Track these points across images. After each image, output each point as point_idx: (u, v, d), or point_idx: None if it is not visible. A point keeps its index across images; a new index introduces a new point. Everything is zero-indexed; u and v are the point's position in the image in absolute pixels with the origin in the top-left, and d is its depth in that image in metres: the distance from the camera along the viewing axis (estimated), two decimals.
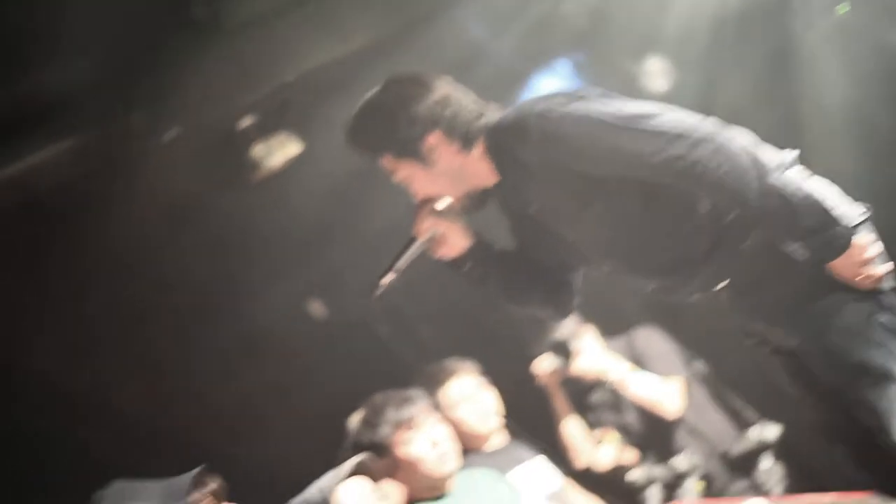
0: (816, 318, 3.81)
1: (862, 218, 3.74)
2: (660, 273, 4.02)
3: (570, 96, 3.86)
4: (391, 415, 5.19)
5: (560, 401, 6.53)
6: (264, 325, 6.96)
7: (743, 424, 6.60)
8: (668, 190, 3.86)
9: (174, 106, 6.09)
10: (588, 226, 3.98)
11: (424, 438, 5.19)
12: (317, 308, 7.73)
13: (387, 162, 4.06)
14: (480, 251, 4.20)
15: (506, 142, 3.93)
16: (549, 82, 7.38)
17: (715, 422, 6.57)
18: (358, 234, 7.11)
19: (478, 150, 4.02)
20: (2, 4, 5.27)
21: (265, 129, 6.62)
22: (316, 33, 6.37)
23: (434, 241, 4.14)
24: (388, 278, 4.12)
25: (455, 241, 4.15)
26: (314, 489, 4.38)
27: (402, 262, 4.13)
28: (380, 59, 6.69)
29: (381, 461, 5.15)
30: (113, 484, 3.58)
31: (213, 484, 3.61)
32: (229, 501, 3.68)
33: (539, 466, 5.91)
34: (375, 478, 4.58)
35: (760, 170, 3.67)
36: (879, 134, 6.55)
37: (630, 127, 3.75)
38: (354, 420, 5.34)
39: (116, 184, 6.06)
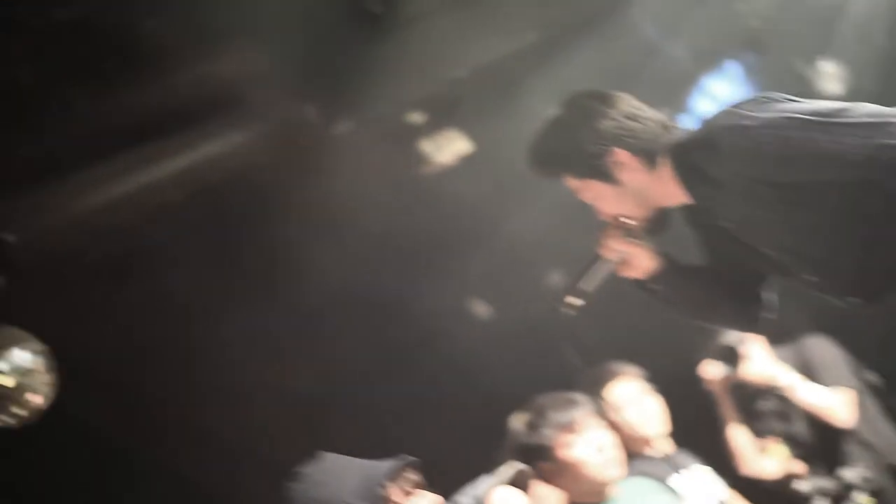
0: None
1: None
2: (861, 284, 3.89)
3: (756, 102, 3.70)
4: (554, 417, 5.16)
5: (727, 407, 6.44)
6: (427, 324, 6.97)
7: None
8: (871, 192, 3.72)
9: (347, 99, 6.13)
10: (787, 236, 3.83)
11: (587, 442, 5.15)
12: (480, 308, 7.73)
13: (571, 181, 3.98)
14: (668, 271, 4.10)
15: (695, 160, 3.80)
16: (720, 84, 7.31)
17: (887, 435, 6.42)
18: (523, 235, 7.10)
19: (664, 169, 3.90)
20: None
21: (434, 125, 6.64)
22: (487, 29, 6.37)
23: (621, 262, 4.07)
24: (575, 300, 4.03)
25: (642, 263, 4.07)
26: (469, 496, 4.37)
27: (589, 284, 4.06)
28: (549, 58, 6.69)
29: (542, 465, 5.14)
30: (322, 456, 3.63)
31: (412, 475, 3.61)
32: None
33: (703, 475, 5.83)
34: (529, 489, 4.56)
35: None
36: None
37: (827, 122, 3.56)
38: (516, 422, 5.32)
39: (288, 176, 6.11)
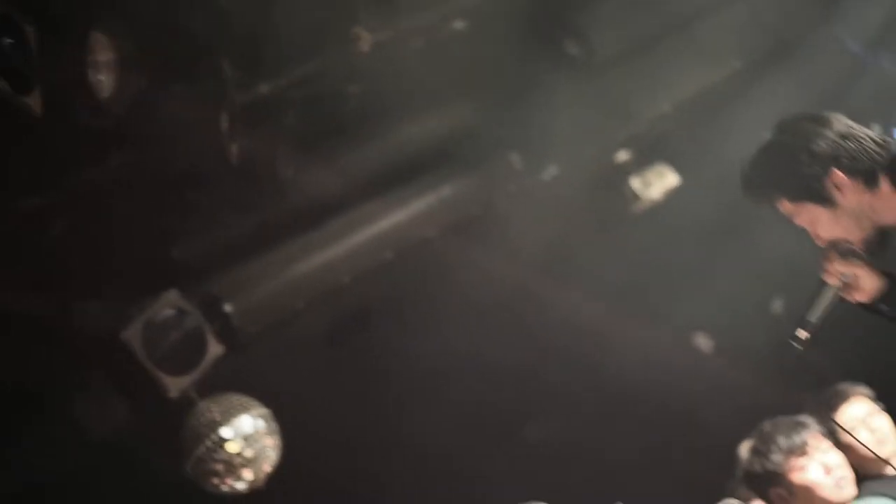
0: None
1: None
2: None
3: None
4: (783, 441, 5.08)
5: None
6: (651, 359, 6.93)
7: None
8: None
9: (552, 143, 6.14)
10: None
11: (819, 464, 5.06)
12: (703, 342, 7.66)
13: (785, 206, 3.89)
14: (894, 289, 4.01)
15: None
16: None
17: None
18: (739, 265, 7.01)
19: (885, 186, 3.81)
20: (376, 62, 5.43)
21: (641, 162, 6.61)
22: (687, 62, 6.32)
23: (846, 286, 3.98)
24: (803, 334, 3.95)
25: (867, 284, 3.95)
26: None
27: (817, 314, 3.97)
28: (755, 85, 6.60)
29: (774, 491, 5.06)
30: None
31: None
32: None
33: None
34: None
35: None
36: None
37: None
38: (744, 448, 5.25)
39: (498, 225, 6.14)
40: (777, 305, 7.66)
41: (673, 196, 6.71)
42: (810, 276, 3.99)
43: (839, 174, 3.74)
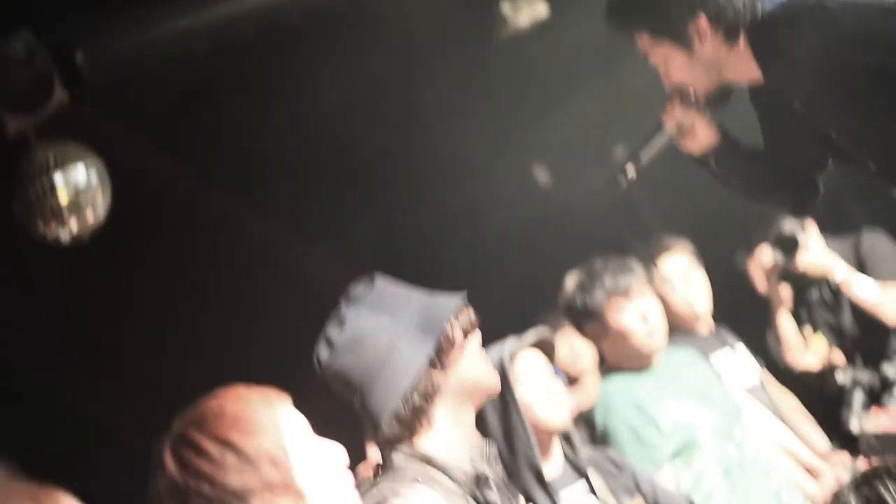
0: None
1: None
2: None
3: None
4: (608, 281, 5.24)
5: (777, 293, 6.45)
6: (489, 186, 7.01)
7: None
8: None
9: None
10: (855, 120, 3.86)
11: (637, 310, 5.21)
12: (543, 175, 7.75)
13: (644, 41, 3.96)
14: (727, 147, 4.12)
15: (774, 36, 3.82)
16: None
17: None
18: (593, 106, 7.08)
19: (742, 44, 3.89)
20: None
21: None
22: None
23: (682, 133, 4.08)
24: (632, 170, 4.06)
25: (703, 135, 4.08)
26: (494, 353, 4.36)
27: (647, 153, 4.08)
28: None
29: (589, 326, 5.22)
30: (379, 280, 3.45)
31: (471, 315, 3.44)
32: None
33: (741, 356, 5.89)
34: (552, 353, 4.61)
35: None
36: None
37: None
38: (570, 280, 5.38)
39: (358, 29, 6.09)
40: (620, 151, 7.79)
41: (539, 28, 6.70)
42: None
43: (704, 21, 3.84)
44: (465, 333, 3.40)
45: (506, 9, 6.52)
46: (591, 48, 6.33)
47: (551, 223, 6.99)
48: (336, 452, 2.82)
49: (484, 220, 6.95)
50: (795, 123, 4.02)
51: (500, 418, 4.26)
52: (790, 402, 6.01)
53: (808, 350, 6.40)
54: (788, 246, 6.27)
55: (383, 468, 3.36)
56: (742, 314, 6.36)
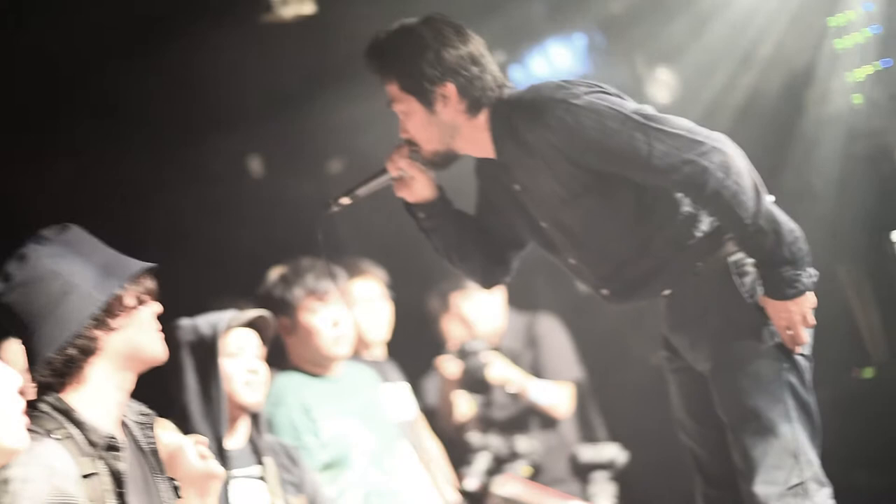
0: (734, 353, 3.96)
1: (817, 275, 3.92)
2: (618, 279, 4.12)
3: (590, 87, 3.95)
4: (310, 281, 5.35)
5: (448, 404, 6.65)
6: (211, 171, 7.03)
7: (590, 437, 6.82)
8: (660, 198, 3.97)
9: None
10: (570, 217, 4.05)
11: (330, 315, 5.32)
12: (256, 165, 7.81)
13: (393, 89, 4.05)
14: (439, 205, 4.23)
15: (517, 119, 3.96)
16: (560, 51, 7.40)
17: (568, 423, 6.80)
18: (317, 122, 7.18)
19: (482, 120, 4.04)
20: None
21: None
22: None
23: (401, 181, 4.18)
24: (346, 200, 4.16)
25: (420, 189, 4.18)
26: (206, 321, 4.50)
27: (365, 190, 4.18)
28: None
29: (282, 319, 5.30)
30: (72, 229, 3.45)
31: (149, 283, 3.49)
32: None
33: (402, 391, 6.03)
34: (267, 337, 4.74)
35: (759, 192, 3.83)
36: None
37: (646, 123, 3.85)
38: (274, 273, 5.47)
39: None
40: (336, 164, 7.89)
41: (301, 23, 6.71)
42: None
43: (451, 88, 3.96)
44: (140, 301, 3.42)
45: None
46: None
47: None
48: (8, 376, 2.83)
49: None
50: (509, 205, 4.21)
51: (200, 382, 4.48)
52: (434, 449, 6.18)
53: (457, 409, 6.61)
54: (469, 358, 6.48)
55: (30, 412, 3.31)
56: (413, 353, 6.51)
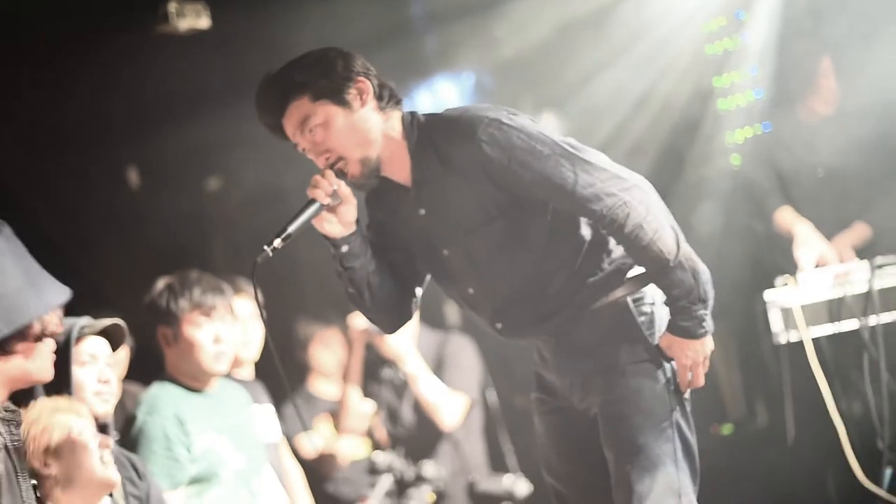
0: (631, 388, 4.00)
1: None
2: (513, 314, 4.10)
3: (514, 112, 3.95)
4: (197, 294, 5.31)
5: (357, 361, 6.64)
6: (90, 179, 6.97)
7: (499, 466, 6.86)
8: (569, 232, 4.01)
9: None
10: (476, 243, 4.01)
11: (213, 330, 5.28)
12: (133, 177, 7.77)
13: (303, 106, 3.93)
14: (360, 236, 4.07)
15: (443, 135, 3.94)
16: (448, 87, 7.46)
17: (477, 450, 6.81)
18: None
19: (397, 129, 3.99)
20: None
21: None
22: None
23: (329, 210, 3.96)
24: (279, 243, 3.89)
25: (347, 215, 4.01)
26: (66, 323, 4.38)
27: (296, 227, 3.91)
28: None
29: (162, 329, 5.24)
30: (7, 235, 3.46)
31: (58, 316, 3.50)
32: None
33: (268, 414, 6.00)
34: (117, 345, 4.67)
35: (678, 233, 3.91)
36: None
37: (573, 154, 3.87)
38: (161, 283, 5.41)
39: None
40: (214, 182, 7.84)
41: (196, 37, 6.71)
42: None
43: (365, 82, 3.95)
44: (44, 334, 3.45)
45: (172, 7, 6.47)
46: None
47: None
48: None
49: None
50: (409, 235, 4.14)
51: (51, 390, 4.22)
52: (296, 474, 6.16)
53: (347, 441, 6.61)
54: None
55: None
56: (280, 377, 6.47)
